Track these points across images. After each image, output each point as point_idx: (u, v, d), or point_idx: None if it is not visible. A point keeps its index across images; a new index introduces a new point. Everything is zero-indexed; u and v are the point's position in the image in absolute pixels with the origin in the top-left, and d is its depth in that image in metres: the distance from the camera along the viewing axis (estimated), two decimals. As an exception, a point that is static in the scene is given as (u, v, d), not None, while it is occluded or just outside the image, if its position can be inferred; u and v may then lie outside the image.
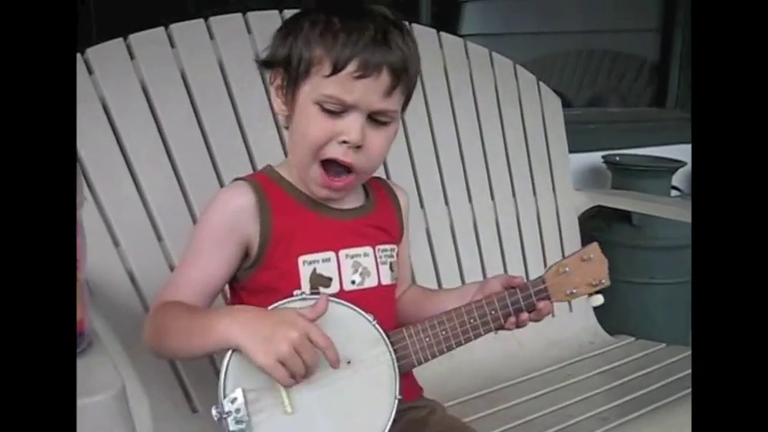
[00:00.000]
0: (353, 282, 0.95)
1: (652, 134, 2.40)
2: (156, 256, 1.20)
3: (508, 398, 1.36)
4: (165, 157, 1.24)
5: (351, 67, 0.85)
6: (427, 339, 0.93)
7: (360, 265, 0.95)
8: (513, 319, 0.96)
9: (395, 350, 0.90)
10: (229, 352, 0.83)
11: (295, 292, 0.87)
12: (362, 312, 0.89)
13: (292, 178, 0.97)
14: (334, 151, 0.89)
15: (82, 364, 0.74)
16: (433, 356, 0.94)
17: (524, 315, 0.97)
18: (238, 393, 0.82)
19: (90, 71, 1.20)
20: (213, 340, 0.83)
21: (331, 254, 0.94)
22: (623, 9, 2.60)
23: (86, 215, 0.81)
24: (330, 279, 0.93)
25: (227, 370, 0.83)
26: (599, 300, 1.02)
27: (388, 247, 1.00)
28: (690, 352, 1.54)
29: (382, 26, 0.87)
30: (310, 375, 0.82)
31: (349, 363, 0.87)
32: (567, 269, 0.99)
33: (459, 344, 0.95)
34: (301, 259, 0.92)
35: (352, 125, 0.87)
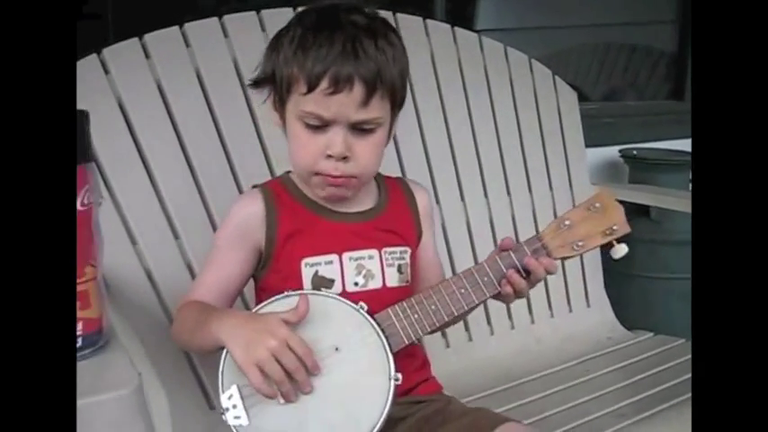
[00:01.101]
0: (356, 283, 0.96)
1: (669, 127, 2.38)
2: (172, 254, 1.21)
3: (524, 394, 1.36)
4: (181, 155, 1.25)
5: (323, 84, 0.87)
6: (415, 315, 0.92)
7: (363, 268, 0.97)
8: (505, 280, 0.93)
9: (382, 330, 0.89)
10: (224, 351, 0.87)
11: (285, 291, 0.89)
12: (345, 300, 0.90)
13: (302, 184, 1.00)
14: (325, 166, 0.91)
15: (100, 361, 0.75)
16: (424, 331, 0.92)
17: (516, 277, 0.92)
18: (233, 390, 0.86)
19: (106, 71, 1.21)
20: (209, 340, 0.88)
21: (334, 256, 0.96)
22: (639, 1, 2.57)
23: (103, 214, 0.83)
24: (332, 281, 0.95)
25: (223, 368, 0.87)
26: (622, 249, 0.94)
27: (397, 249, 1.00)
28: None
29: (351, 36, 0.87)
30: (295, 382, 0.84)
31: (337, 349, 0.88)
32: (567, 222, 0.94)
33: (450, 314, 0.93)
34: (304, 261, 0.95)
35: (334, 138, 0.90)
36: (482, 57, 1.64)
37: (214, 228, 1.25)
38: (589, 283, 1.72)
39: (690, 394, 1.31)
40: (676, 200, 1.75)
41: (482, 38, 1.66)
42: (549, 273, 0.94)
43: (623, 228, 0.94)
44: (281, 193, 0.99)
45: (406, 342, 0.91)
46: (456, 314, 0.93)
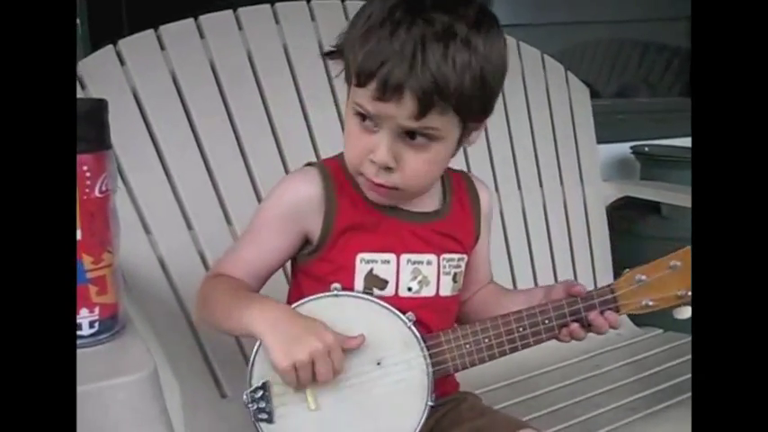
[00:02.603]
0: (410, 288, 0.90)
1: (681, 124, 2.35)
2: (186, 244, 1.22)
3: (536, 387, 1.36)
4: (195, 146, 1.26)
5: (371, 86, 0.78)
6: (467, 346, 0.87)
7: (420, 273, 0.91)
8: (566, 330, 0.89)
9: (430, 355, 0.86)
10: (258, 342, 0.84)
11: (332, 286, 0.85)
12: (399, 313, 0.85)
13: None
14: (368, 169, 0.84)
15: (116, 346, 0.76)
16: (473, 365, 0.88)
17: (578, 330, 0.89)
18: (264, 385, 0.84)
19: (122, 62, 1.22)
20: (243, 327, 0.84)
21: (392, 256, 0.89)
22: (653, -2, 2.56)
23: (119, 203, 0.83)
24: (386, 282, 0.89)
25: (254, 360, 0.84)
26: (686, 312, 0.89)
27: (455, 256, 0.94)
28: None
29: (417, 37, 0.76)
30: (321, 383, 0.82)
31: (379, 364, 0.85)
32: (643, 278, 0.88)
33: (503, 353, 0.88)
34: (359, 257, 0.89)
35: (379, 143, 0.81)
36: (495, 51, 1.64)
37: (227, 217, 1.26)
38: (599, 281, 1.72)
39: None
40: (687, 197, 1.74)
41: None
42: (612, 328, 0.92)
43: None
44: (341, 179, 0.90)
45: (452, 372, 0.88)
46: (508, 354, 0.89)
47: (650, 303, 0.89)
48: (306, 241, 0.91)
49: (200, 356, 1.21)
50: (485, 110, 0.85)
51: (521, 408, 1.25)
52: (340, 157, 0.91)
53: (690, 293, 0.88)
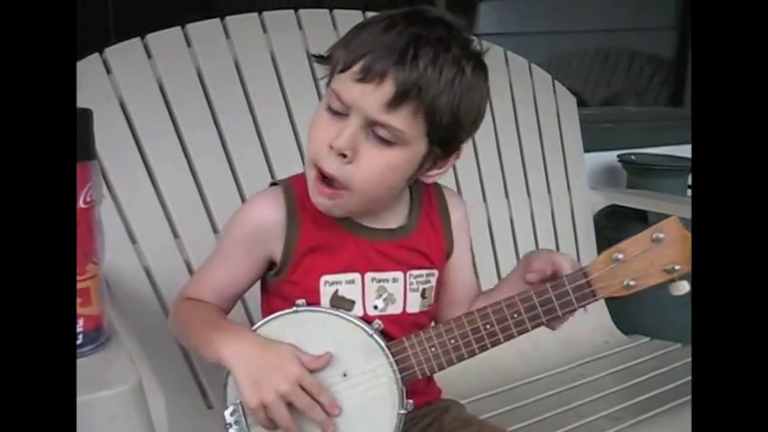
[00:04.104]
0: (375, 307, 0.89)
1: (668, 133, 2.39)
2: (172, 253, 1.22)
3: (521, 397, 1.36)
4: (182, 154, 1.25)
5: (355, 67, 0.78)
6: (433, 349, 0.85)
7: (385, 291, 0.89)
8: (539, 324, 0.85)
9: (396, 361, 0.84)
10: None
11: (296, 302, 0.85)
12: (360, 323, 0.85)
13: None
14: (325, 160, 0.81)
15: (100, 358, 0.76)
16: (441, 368, 0.86)
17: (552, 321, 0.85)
18: (237, 406, 0.84)
19: (108, 71, 1.21)
20: (212, 356, 0.84)
21: (356, 275, 0.88)
22: (640, 8, 2.58)
23: (104, 213, 0.83)
24: (353, 302, 0.88)
25: (226, 382, 0.84)
26: (683, 287, 0.82)
27: (423, 272, 0.92)
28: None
29: (412, 37, 0.77)
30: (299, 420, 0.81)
31: (345, 375, 0.84)
32: (620, 256, 0.81)
33: (472, 353, 0.85)
34: (323, 279, 0.88)
35: (343, 129, 0.80)
36: (482, 61, 1.65)
37: (214, 227, 1.26)
38: (586, 288, 1.72)
39: (685, 398, 1.32)
40: (674, 205, 1.75)
41: (481, 41, 1.66)
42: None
43: (686, 266, 0.81)
44: (305, 198, 0.87)
45: (420, 377, 0.86)
46: (478, 353, 0.86)
47: (632, 283, 0.82)
48: (271, 263, 0.91)
49: (187, 367, 1.21)
50: (451, 138, 0.84)
51: (506, 418, 1.25)
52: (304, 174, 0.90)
53: (679, 267, 0.81)
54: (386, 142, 0.80)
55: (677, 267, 0.81)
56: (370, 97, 0.78)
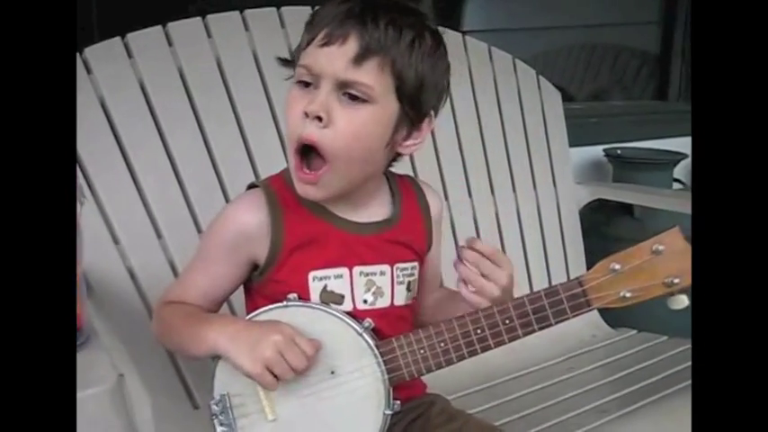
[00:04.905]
0: (365, 301, 0.89)
1: (653, 127, 2.40)
2: (155, 254, 1.21)
3: (509, 392, 1.36)
4: (164, 154, 1.25)
5: (319, 36, 0.82)
6: (422, 351, 0.85)
7: (373, 284, 0.90)
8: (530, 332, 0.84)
9: (384, 362, 0.85)
10: (217, 358, 0.85)
11: (287, 297, 0.85)
12: (350, 321, 0.85)
13: None
14: (300, 126, 0.83)
15: (79, 359, 0.75)
16: (430, 370, 0.86)
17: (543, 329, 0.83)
18: (223, 398, 0.84)
19: (89, 71, 1.20)
20: (204, 349, 0.85)
21: (344, 270, 0.88)
22: (624, 2, 2.59)
23: (86, 213, 0.82)
24: (342, 296, 0.88)
25: (214, 374, 0.85)
26: (682, 302, 0.79)
27: (408, 265, 0.93)
28: (690, 345, 1.54)
29: (371, 7, 0.82)
30: (299, 374, 0.82)
31: (333, 373, 0.84)
32: (617, 267, 0.79)
33: (461, 357, 0.85)
34: (311, 275, 0.87)
35: (315, 97, 0.82)
36: (466, 57, 1.65)
37: (198, 226, 1.25)
38: (574, 282, 1.73)
39: (672, 389, 1.33)
40: (660, 198, 1.77)
41: (466, 38, 1.66)
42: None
43: (686, 280, 0.78)
44: (286, 196, 0.88)
45: (407, 379, 0.86)
46: (468, 357, 0.85)
47: (628, 295, 0.79)
48: (255, 265, 0.91)
49: (173, 368, 1.20)
50: (418, 99, 0.85)
51: (493, 413, 1.26)
52: (284, 173, 0.91)
53: (679, 280, 0.78)
54: (357, 100, 0.82)
55: (677, 281, 0.78)
56: (336, 58, 0.81)
